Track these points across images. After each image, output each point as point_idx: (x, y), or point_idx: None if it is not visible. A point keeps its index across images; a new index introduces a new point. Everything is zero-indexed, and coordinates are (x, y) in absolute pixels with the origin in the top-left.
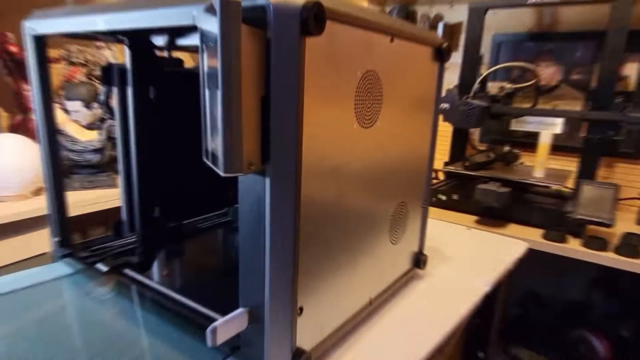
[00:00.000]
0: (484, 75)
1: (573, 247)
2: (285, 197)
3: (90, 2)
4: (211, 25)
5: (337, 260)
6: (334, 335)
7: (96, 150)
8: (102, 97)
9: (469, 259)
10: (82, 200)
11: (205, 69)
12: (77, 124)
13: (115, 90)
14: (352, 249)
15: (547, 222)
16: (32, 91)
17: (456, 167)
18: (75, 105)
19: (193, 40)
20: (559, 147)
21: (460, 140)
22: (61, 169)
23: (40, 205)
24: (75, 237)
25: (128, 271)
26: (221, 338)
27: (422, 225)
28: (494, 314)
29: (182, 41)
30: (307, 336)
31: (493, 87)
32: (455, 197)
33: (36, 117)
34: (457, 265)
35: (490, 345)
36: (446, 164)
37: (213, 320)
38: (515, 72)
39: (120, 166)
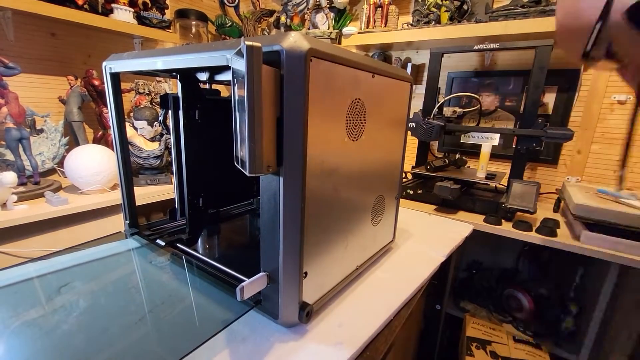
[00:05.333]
0: (441, 102)
1: (506, 229)
2: (294, 192)
3: (152, 48)
4: (240, 65)
5: (332, 237)
6: (330, 293)
7: (156, 157)
8: (160, 118)
9: (430, 237)
10: (146, 193)
11: (236, 97)
12: (142, 138)
13: (170, 113)
14: (343, 230)
15: (487, 210)
16: (110, 113)
17: (420, 170)
18: (141, 124)
19: (227, 76)
20: (496, 155)
21: (423, 149)
22: (131, 170)
23: (116, 197)
24: (141, 220)
25: (179, 245)
26: (247, 294)
27: (395, 213)
28: (447, 276)
29: (219, 77)
30: (310, 293)
31: (448, 111)
32: (420, 191)
33: (112, 132)
34: (421, 241)
35: (445, 300)
36: (413, 167)
37: (241, 281)
38: (464, 100)
39: (174, 168)
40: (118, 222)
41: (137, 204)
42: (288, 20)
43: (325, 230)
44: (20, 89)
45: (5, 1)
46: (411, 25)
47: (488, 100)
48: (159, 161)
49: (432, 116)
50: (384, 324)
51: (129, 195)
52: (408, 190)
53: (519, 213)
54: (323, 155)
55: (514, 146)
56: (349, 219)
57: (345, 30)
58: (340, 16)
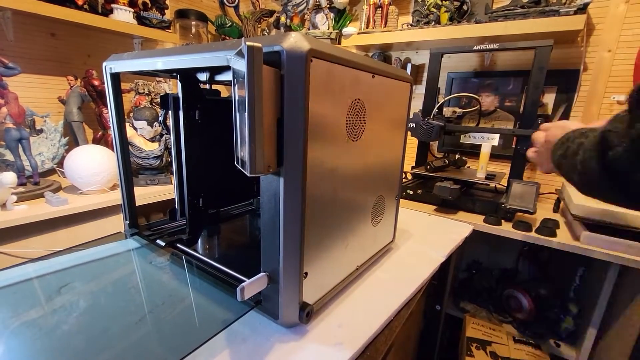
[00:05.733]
0: (441, 102)
1: (506, 229)
2: (294, 192)
3: (152, 48)
4: (240, 65)
5: (332, 238)
6: (330, 293)
7: (156, 157)
8: (160, 118)
9: (430, 237)
10: (146, 194)
11: (236, 97)
12: (142, 138)
13: (170, 113)
14: (343, 230)
15: (486, 210)
16: (110, 113)
17: (420, 170)
18: (141, 124)
19: (227, 76)
20: (495, 155)
21: (423, 150)
22: (131, 171)
23: (115, 197)
24: (141, 220)
25: (179, 245)
26: (248, 294)
27: (395, 213)
28: (447, 277)
29: (219, 77)
30: (310, 293)
31: (447, 111)
32: (419, 192)
33: (112, 132)
34: (421, 241)
35: (445, 300)
36: (413, 167)
37: (241, 281)
38: (464, 100)
39: (174, 168)
40: (118, 223)
41: (137, 204)
42: (288, 21)
43: (326, 230)
44: (20, 89)
45: (5, 1)
46: (411, 25)
47: (488, 101)
48: (158, 161)
49: (432, 116)
50: (384, 324)
51: (129, 195)
52: (408, 191)
53: (518, 213)
54: (323, 155)
55: (513, 146)
56: (349, 219)
57: (345, 30)
58: (340, 16)
